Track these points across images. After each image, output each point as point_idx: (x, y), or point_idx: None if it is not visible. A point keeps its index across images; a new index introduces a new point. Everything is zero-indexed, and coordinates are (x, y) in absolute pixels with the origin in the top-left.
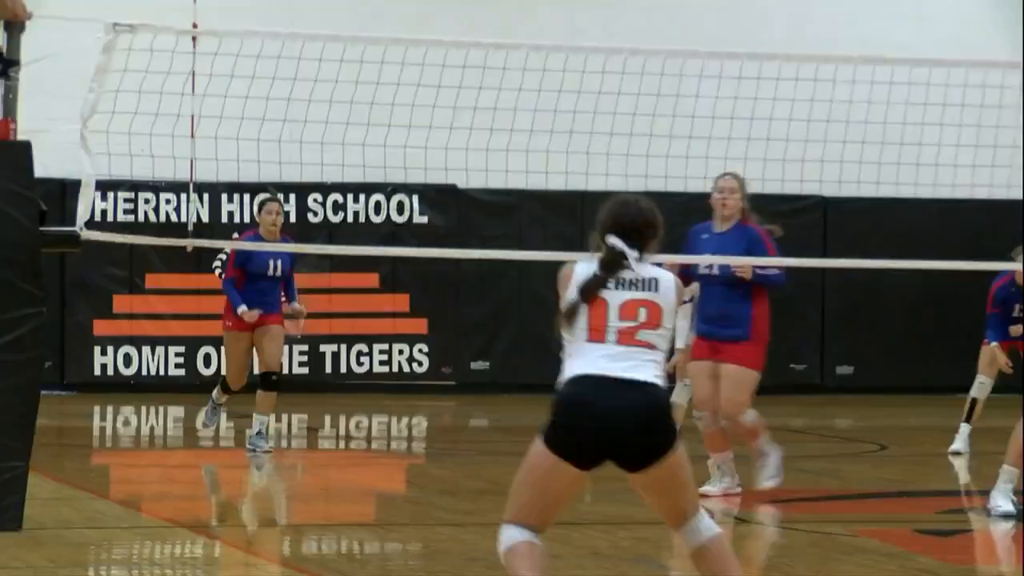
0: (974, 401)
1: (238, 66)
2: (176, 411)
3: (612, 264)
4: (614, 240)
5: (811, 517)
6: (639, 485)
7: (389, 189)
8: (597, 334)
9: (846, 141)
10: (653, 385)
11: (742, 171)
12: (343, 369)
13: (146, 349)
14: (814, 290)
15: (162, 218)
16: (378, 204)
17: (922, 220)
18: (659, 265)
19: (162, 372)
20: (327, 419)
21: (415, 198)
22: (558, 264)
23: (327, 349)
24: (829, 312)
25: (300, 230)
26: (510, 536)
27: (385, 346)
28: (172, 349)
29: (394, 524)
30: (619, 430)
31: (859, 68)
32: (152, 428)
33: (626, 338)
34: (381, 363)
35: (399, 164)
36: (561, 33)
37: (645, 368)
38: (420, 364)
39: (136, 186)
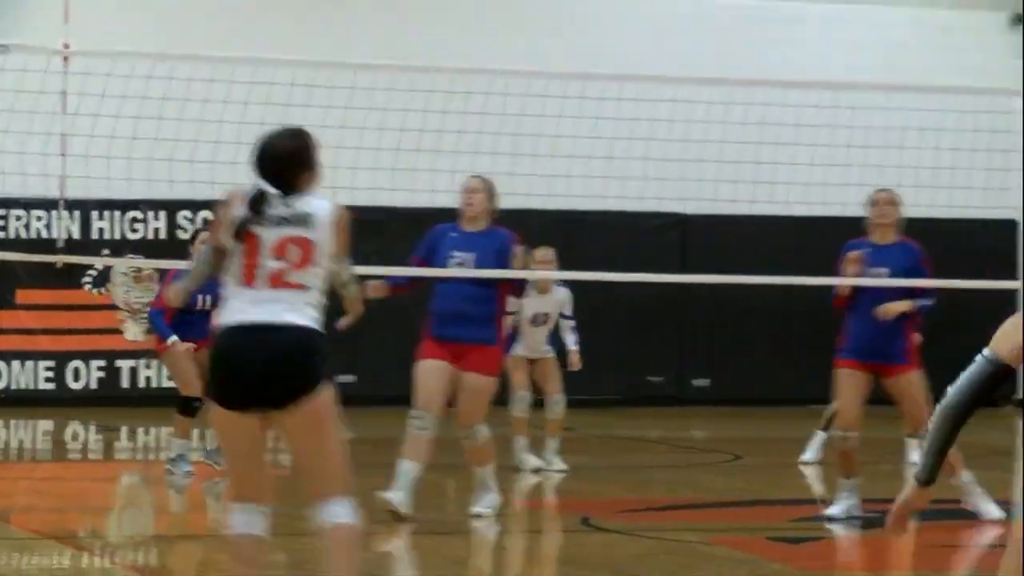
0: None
1: (109, 86)
2: (46, 424)
3: (257, 203)
4: (258, 182)
5: (667, 525)
6: (285, 431)
7: None
8: (248, 278)
9: (703, 160)
10: (298, 327)
11: (604, 190)
12: None
13: (16, 363)
14: (672, 304)
15: (32, 234)
16: None
17: (776, 237)
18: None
19: (32, 386)
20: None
21: None
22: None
23: None
24: (686, 325)
25: (169, 247)
26: (233, 521)
27: None
28: (42, 364)
29: None
30: (261, 376)
31: (715, 89)
32: (21, 441)
33: (276, 281)
34: None
35: None
36: (401, 52)
37: (294, 310)
38: None
39: (6, 203)
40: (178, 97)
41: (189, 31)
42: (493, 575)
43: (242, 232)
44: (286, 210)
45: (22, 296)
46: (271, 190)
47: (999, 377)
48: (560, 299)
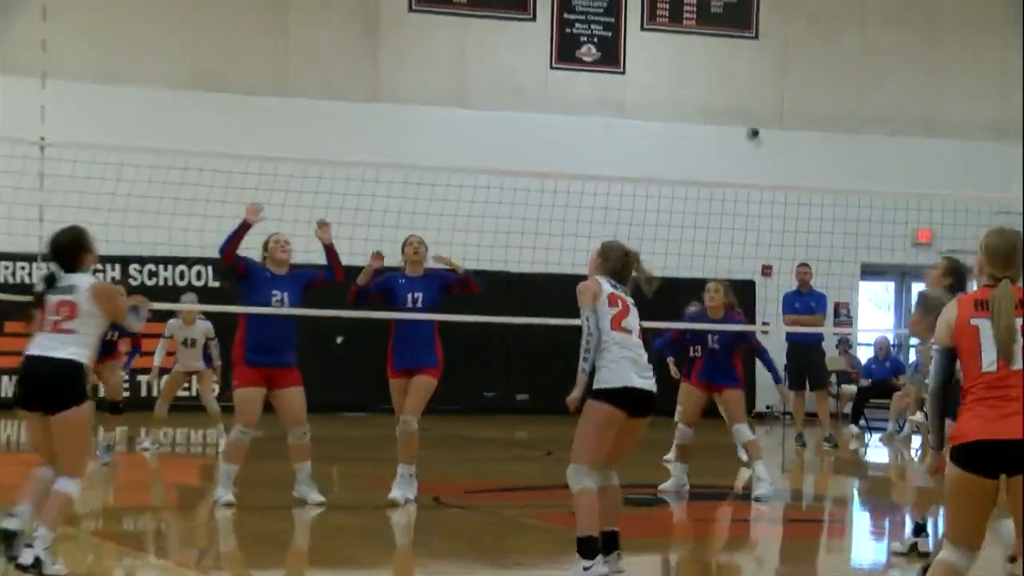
0: None
1: (76, 169)
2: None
3: (47, 280)
4: (50, 264)
5: (495, 504)
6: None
7: None
8: (39, 326)
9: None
10: (63, 360)
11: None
12: None
13: (4, 378)
14: (500, 338)
15: (17, 279)
16: None
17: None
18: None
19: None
20: None
21: None
22: None
23: None
24: (513, 353)
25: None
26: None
27: None
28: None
29: None
30: (37, 392)
31: (531, 180)
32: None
33: (55, 327)
34: None
35: None
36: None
37: (63, 347)
38: None
39: None
40: (127, 179)
41: (138, 121)
42: (376, 538)
43: (37, 298)
44: (62, 282)
45: (9, 327)
46: (54, 269)
47: (953, 359)
48: (205, 328)
